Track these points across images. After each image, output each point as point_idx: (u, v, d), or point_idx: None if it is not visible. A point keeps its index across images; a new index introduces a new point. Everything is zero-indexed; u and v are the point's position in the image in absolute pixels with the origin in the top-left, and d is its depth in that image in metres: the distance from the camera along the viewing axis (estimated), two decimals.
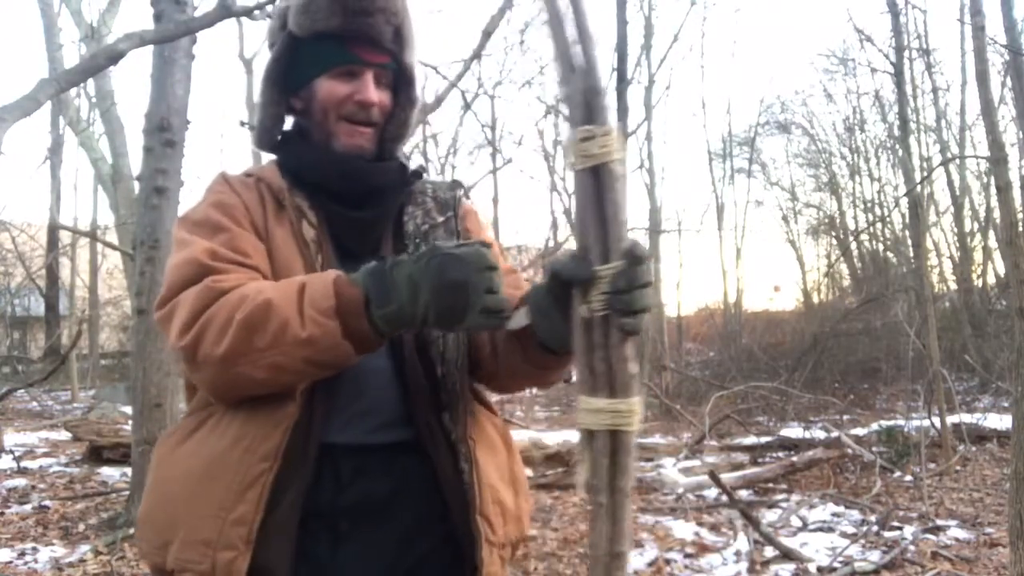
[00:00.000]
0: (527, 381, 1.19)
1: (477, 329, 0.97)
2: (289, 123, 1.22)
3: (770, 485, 5.29)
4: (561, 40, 0.87)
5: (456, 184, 1.25)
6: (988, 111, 4.13)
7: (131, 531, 3.92)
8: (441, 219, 1.19)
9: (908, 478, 5.28)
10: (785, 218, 21.86)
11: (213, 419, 1.06)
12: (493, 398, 1.26)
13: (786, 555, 3.71)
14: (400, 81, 1.21)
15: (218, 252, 1.04)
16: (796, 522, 4.40)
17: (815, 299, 18.61)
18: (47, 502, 4.87)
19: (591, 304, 0.86)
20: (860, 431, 6.43)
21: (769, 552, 3.79)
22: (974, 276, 13.24)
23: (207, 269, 1.02)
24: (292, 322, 0.93)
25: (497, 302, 0.92)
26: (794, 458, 5.60)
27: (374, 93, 1.15)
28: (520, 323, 0.97)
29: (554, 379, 1.16)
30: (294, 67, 1.16)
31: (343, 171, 1.14)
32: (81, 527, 4.31)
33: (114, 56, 3.06)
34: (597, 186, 0.85)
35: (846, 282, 18.89)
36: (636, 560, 3.76)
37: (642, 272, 0.86)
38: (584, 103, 0.87)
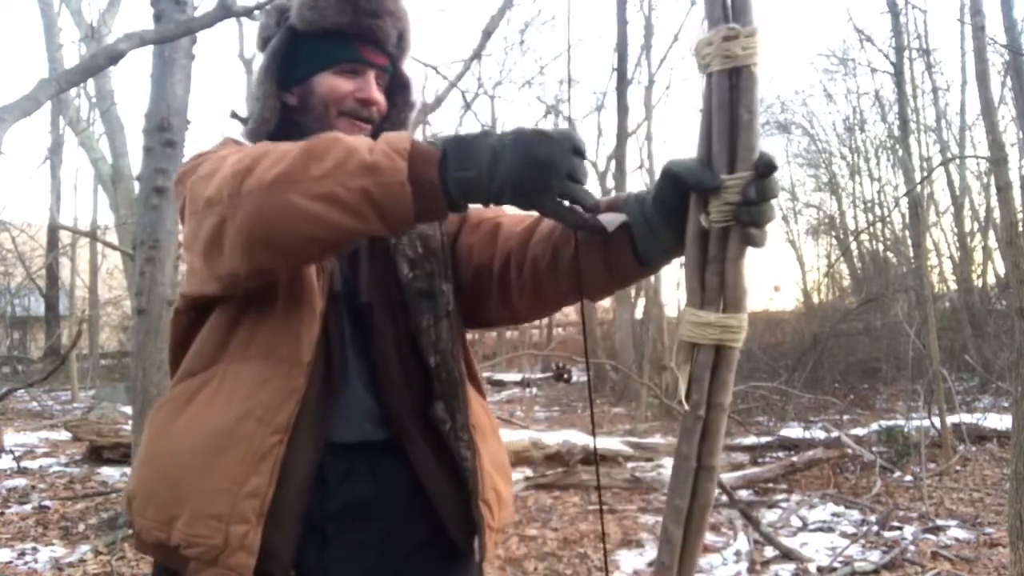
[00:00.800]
0: (594, 292, 1.06)
1: (553, 216, 0.90)
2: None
3: (770, 485, 5.29)
4: None
5: None
6: (988, 111, 4.13)
7: (131, 531, 3.92)
8: None
9: (908, 478, 5.28)
10: (785, 218, 21.88)
11: (210, 386, 1.04)
12: (498, 394, 1.25)
13: (786, 555, 3.71)
14: (395, 85, 1.22)
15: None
16: (796, 522, 4.39)
17: (815, 299, 18.63)
18: (47, 502, 4.87)
19: (711, 215, 0.82)
20: (860, 431, 6.43)
21: (769, 552, 3.79)
22: (974, 276, 13.25)
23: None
24: (360, 150, 0.86)
25: (578, 192, 0.86)
26: (794, 458, 5.59)
27: (376, 92, 1.17)
28: (613, 226, 0.94)
29: (616, 291, 1.08)
30: (292, 61, 1.16)
31: None
32: (81, 527, 4.30)
33: (114, 56, 3.06)
34: (733, 90, 0.81)
35: (846, 282, 18.90)
36: (636, 560, 3.76)
37: (773, 183, 0.81)
38: None
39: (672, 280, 14.58)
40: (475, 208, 1.12)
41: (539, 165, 0.83)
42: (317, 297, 1.04)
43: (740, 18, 0.80)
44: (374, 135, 1.19)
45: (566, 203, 0.87)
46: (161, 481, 1.03)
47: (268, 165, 0.88)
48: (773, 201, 0.82)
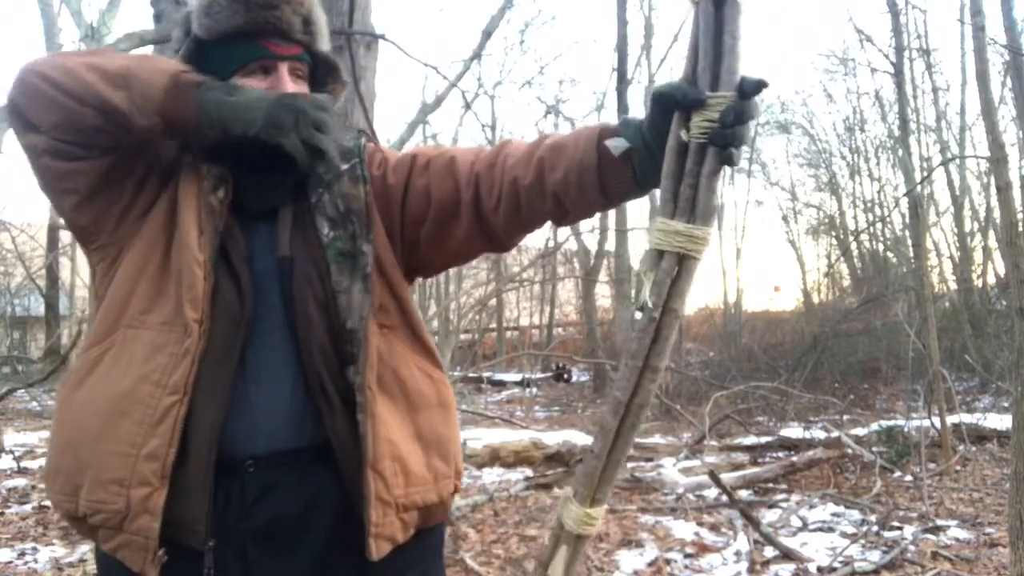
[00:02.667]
0: (577, 215, 1.11)
1: (293, 151, 1.04)
2: None
3: (770, 485, 5.28)
4: None
5: (360, 133, 1.22)
6: (988, 111, 4.13)
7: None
8: (345, 167, 1.15)
9: (908, 478, 5.28)
10: (785, 218, 21.93)
11: (110, 355, 1.03)
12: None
13: (786, 555, 3.71)
14: (322, 68, 1.20)
15: None
16: (796, 522, 4.39)
17: (815, 299, 18.65)
18: (47, 502, 4.85)
19: (691, 130, 0.87)
20: (860, 431, 6.42)
21: (769, 552, 3.79)
22: (974, 276, 13.24)
23: None
24: (131, 57, 1.05)
25: (318, 139, 1.04)
26: (794, 458, 5.59)
27: (291, 86, 1.13)
28: (619, 151, 0.99)
29: (595, 213, 1.14)
30: (203, 72, 1.10)
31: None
32: None
33: None
34: (719, 18, 0.87)
35: (846, 282, 18.91)
36: (636, 560, 3.76)
37: (752, 107, 0.86)
38: None
39: None
40: (421, 151, 1.20)
41: (292, 110, 1.03)
42: (197, 255, 1.03)
43: None
44: None
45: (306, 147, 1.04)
46: (66, 451, 1.03)
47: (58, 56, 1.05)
48: (750, 124, 0.86)
